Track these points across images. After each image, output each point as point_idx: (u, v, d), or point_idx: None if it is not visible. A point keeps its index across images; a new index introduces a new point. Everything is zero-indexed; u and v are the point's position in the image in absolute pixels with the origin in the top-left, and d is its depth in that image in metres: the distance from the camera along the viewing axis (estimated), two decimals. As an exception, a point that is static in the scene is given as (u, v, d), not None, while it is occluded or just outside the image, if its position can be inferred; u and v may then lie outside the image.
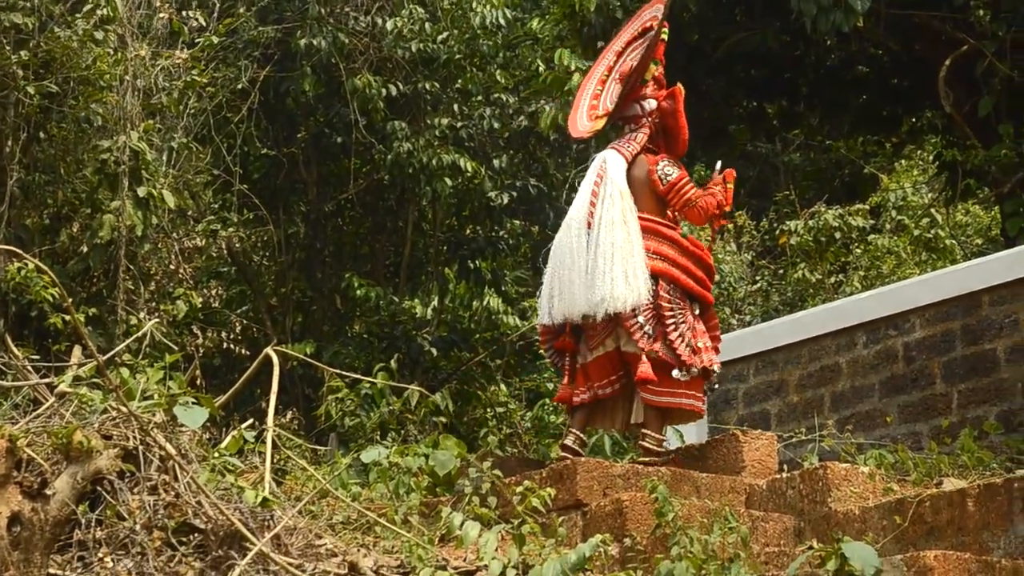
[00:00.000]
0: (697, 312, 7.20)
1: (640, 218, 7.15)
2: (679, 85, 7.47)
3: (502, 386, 17.02)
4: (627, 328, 7.02)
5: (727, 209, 7.40)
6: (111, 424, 5.19)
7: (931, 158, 16.46)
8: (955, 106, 11.58)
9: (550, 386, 16.23)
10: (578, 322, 7.16)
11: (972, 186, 13.29)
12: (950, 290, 8.78)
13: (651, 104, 7.48)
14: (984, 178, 12.50)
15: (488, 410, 16.54)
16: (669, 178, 7.27)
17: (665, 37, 7.48)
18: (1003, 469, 7.02)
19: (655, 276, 7.03)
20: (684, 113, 7.44)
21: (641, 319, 6.98)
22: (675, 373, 7.01)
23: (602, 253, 7.02)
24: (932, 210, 15.97)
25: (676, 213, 7.38)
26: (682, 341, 7.00)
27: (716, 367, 7.15)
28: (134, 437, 5.10)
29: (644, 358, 6.98)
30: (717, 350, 7.25)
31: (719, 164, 7.60)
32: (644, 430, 7.15)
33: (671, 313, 7.03)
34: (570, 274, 7.10)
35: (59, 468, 4.90)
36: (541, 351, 13.43)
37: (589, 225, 7.16)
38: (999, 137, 11.57)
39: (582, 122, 7.76)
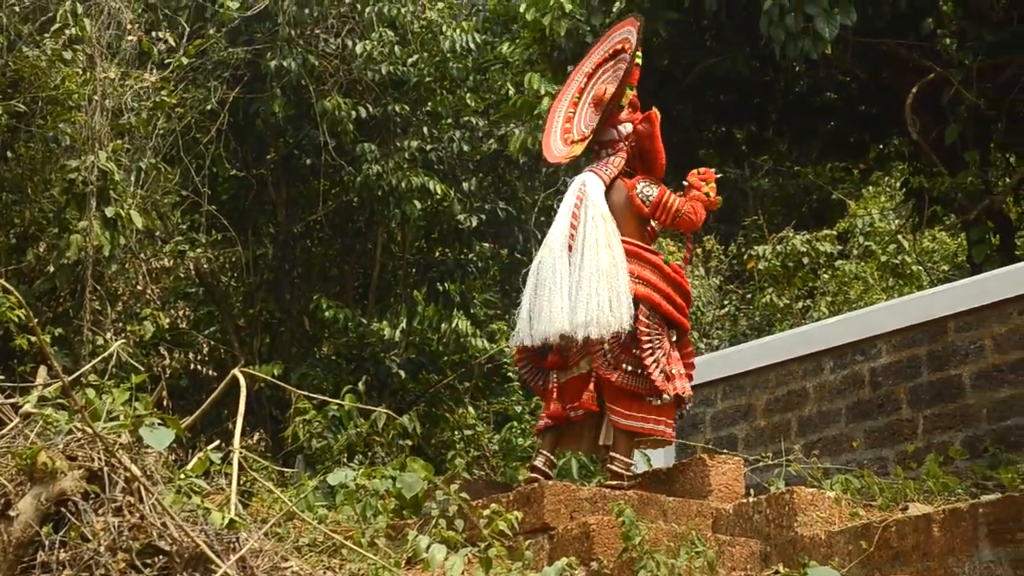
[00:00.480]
0: (674, 339, 7.20)
1: (624, 242, 7.15)
2: (654, 109, 7.50)
3: (470, 408, 16.99)
4: (591, 352, 7.04)
5: (710, 192, 7.35)
6: (76, 445, 5.16)
7: (898, 185, 16.57)
8: (922, 133, 11.65)
9: (518, 408, 16.21)
10: (555, 342, 7.13)
11: (939, 213, 13.38)
12: (916, 316, 8.82)
13: (627, 128, 7.51)
14: (950, 205, 12.58)
15: (456, 433, 16.49)
16: (651, 198, 7.29)
17: (639, 62, 7.51)
18: (968, 495, 7.04)
19: (636, 301, 7.02)
20: (658, 136, 7.47)
21: (606, 345, 6.98)
22: (650, 400, 7.03)
23: (587, 275, 7.00)
24: (899, 236, 16.06)
25: (668, 227, 7.40)
26: (656, 367, 6.99)
27: (688, 395, 7.16)
28: (99, 458, 5.06)
29: (591, 387, 7.08)
30: (690, 377, 7.26)
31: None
32: (612, 453, 7.14)
33: (648, 338, 7.01)
34: (551, 295, 7.07)
35: (23, 489, 4.86)
36: (512, 373, 13.42)
37: (570, 248, 7.16)
38: (965, 164, 11.66)
39: (557, 146, 7.77)
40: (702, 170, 7.50)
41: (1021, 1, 10.56)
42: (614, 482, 6.95)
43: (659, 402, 7.03)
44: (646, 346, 6.99)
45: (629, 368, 7.00)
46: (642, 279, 7.10)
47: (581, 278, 7.02)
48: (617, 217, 7.26)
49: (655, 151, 7.44)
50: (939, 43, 11.23)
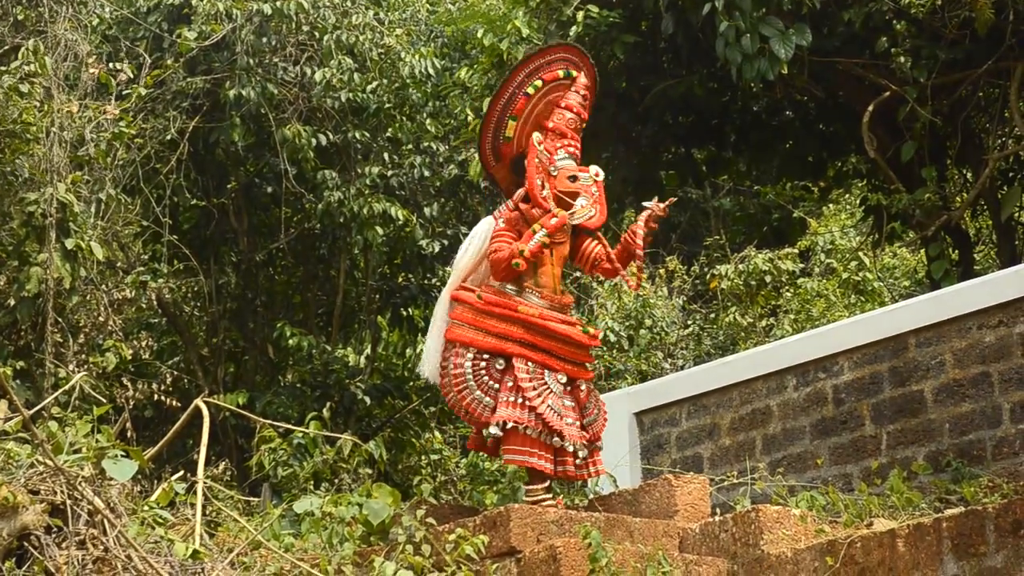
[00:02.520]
0: (501, 366, 7.23)
1: (460, 287, 7.41)
2: (534, 135, 7.50)
3: (436, 433, 16.97)
4: (444, 395, 7.39)
5: (523, 257, 7.23)
6: (38, 479, 5.14)
7: (857, 202, 16.68)
8: (879, 151, 11.74)
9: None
10: None
11: (897, 229, 13.47)
12: (878, 332, 8.88)
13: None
14: (909, 221, 12.66)
15: (422, 458, 16.47)
16: (489, 238, 7.45)
17: (531, 92, 7.53)
18: (932, 509, 7.09)
19: (450, 343, 7.27)
20: (535, 164, 7.42)
21: (478, 393, 7.20)
22: (484, 432, 7.14)
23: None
24: (860, 253, 16.15)
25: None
26: (477, 403, 7.15)
27: (518, 421, 7.07)
28: (62, 491, 5.04)
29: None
30: (526, 407, 7.17)
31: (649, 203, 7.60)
32: (525, 486, 7.37)
33: (460, 379, 7.19)
34: None
35: (-15, 524, 4.84)
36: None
37: None
38: (922, 181, 11.75)
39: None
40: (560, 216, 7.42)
41: (972, 19, 10.65)
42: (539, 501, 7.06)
43: (490, 436, 7.13)
44: (459, 385, 7.20)
45: (464, 412, 7.26)
46: (457, 319, 7.31)
47: None
48: None
49: (527, 180, 7.45)
50: (894, 61, 11.31)
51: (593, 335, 7.49)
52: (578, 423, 7.23)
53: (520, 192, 7.47)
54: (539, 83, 7.53)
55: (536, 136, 7.46)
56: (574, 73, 7.68)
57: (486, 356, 7.20)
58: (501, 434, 7.07)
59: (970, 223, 13.66)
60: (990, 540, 5.26)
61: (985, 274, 10.93)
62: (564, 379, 7.26)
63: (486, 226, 7.51)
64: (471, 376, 7.17)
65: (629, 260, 7.58)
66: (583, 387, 7.37)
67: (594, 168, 7.65)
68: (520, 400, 7.10)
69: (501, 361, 7.20)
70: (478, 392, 7.15)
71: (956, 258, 12.36)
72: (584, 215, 7.44)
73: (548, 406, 7.10)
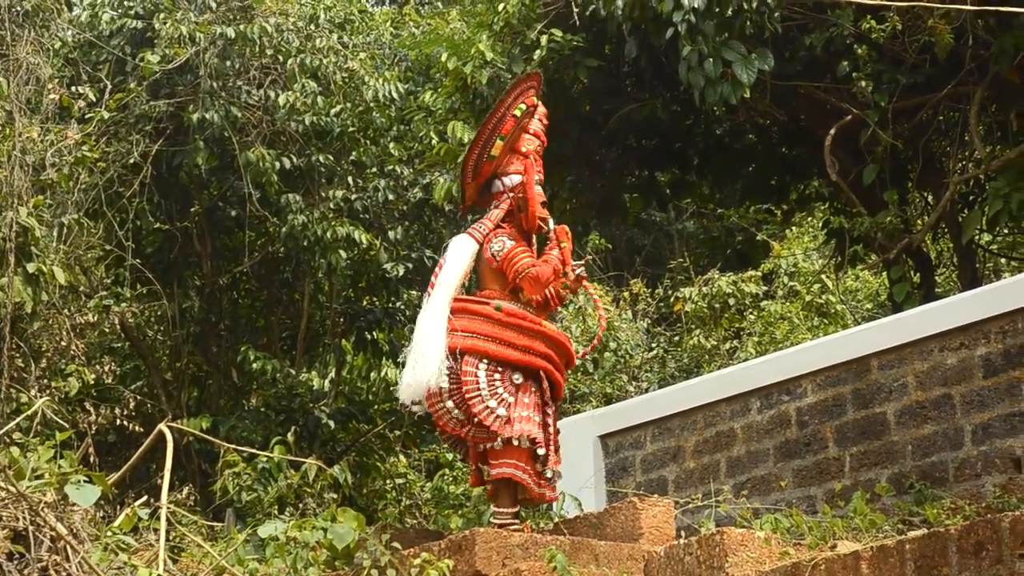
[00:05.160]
0: (519, 380, 7.25)
1: (455, 300, 7.33)
2: (529, 159, 7.57)
3: (401, 457, 16.95)
4: (431, 410, 7.27)
5: (566, 270, 7.43)
6: (0, 505, 5.10)
7: (820, 225, 16.78)
8: (841, 174, 11.80)
9: (449, 456, 16.19)
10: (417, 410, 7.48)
11: (860, 253, 13.55)
12: (840, 355, 8.93)
13: (513, 180, 7.60)
14: (871, 244, 12.74)
15: (387, 482, 16.44)
16: (500, 253, 7.39)
17: (518, 114, 7.58)
18: (895, 531, 7.12)
19: (462, 353, 7.18)
20: (536, 185, 7.53)
21: (449, 404, 7.21)
22: (493, 445, 7.15)
23: (415, 339, 7.32)
24: (823, 276, 16.26)
25: (515, 285, 7.46)
26: (490, 414, 7.11)
27: (531, 437, 7.13)
28: (24, 517, 5.01)
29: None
30: (542, 424, 7.23)
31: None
32: (494, 508, 7.36)
33: (473, 387, 7.14)
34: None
35: (-54, 551, 4.80)
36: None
37: None
38: (884, 204, 11.82)
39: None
40: (560, 228, 7.58)
41: (932, 44, 10.75)
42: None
43: (498, 446, 7.13)
44: (471, 393, 7.12)
45: (461, 417, 7.22)
46: (469, 331, 7.24)
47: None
48: (481, 271, 7.52)
49: (526, 199, 7.51)
50: (855, 86, 11.39)
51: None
52: (554, 446, 7.30)
53: (500, 212, 7.50)
54: (523, 107, 7.58)
55: (531, 160, 7.55)
56: (537, 101, 7.76)
57: (500, 368, 7.19)
58: (502, 447, 7.10)
59: (931, 246, 13.75)
60: (953, 562, 5.29)
61: (946, 297, 11.01)
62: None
63: (470, 243, 7.50)
64: (485, 386, 7.14)
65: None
66: (556, 409, 7.49)
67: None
68: (539, 418, 7.15)
69: (519, 375, 7.21)
70: (492, 402, 7.11)
71: (918, 281, 12.43)
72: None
73: (552, 428, 7.19)
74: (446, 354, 7.15)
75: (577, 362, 8.04)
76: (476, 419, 7.13)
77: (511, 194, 7.55)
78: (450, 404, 7.19)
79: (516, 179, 7.56)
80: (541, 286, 7.37)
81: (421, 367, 7.16)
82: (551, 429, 7.21)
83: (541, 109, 7.80)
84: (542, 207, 7.53)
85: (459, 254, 7.47)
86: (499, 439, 7.10)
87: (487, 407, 7.10)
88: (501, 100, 7.66)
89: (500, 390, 7.15)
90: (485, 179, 7.65)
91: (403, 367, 7.34)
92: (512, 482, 7.21)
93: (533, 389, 7.24)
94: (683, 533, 7.67)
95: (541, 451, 7.12)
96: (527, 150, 7.63)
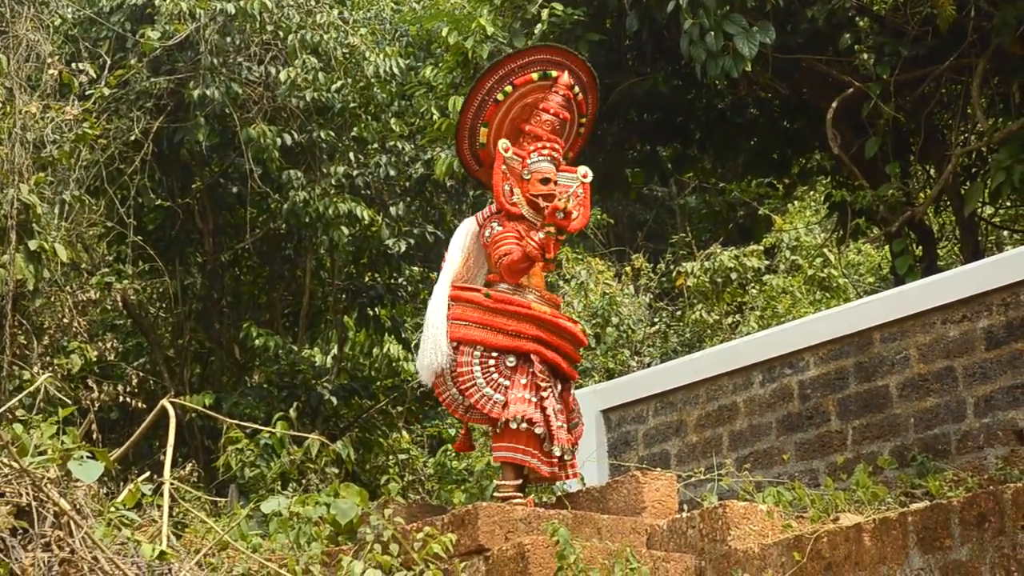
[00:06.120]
0: (512, 363, 7.27)
1: (453, 287, 7.43)
2: (500, 142, 7.53)
3: (404, 433, 16.96)
4: (440, 399, 7.40)
5: (547, 256, 7.36)
6: (3, 481, 5.11)
7: (822, 199, 16.75)
8: (843, 147, 11.78)
9: (452, 432, 16.21)
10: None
11: (862, 226, 13.52)
12: (842, 328, 8.92)
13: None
14: (873, 217, 12.72)
15: (390, 457, 16.45)
16: (490, 238, 7.50)
17: (501, 98, 7.56)
18: (898, 503, 7.13)
19: (457, 343, 7.28)
20: (500, 172, 7.52)
21: (454, 391, 7.30)
22: (494, 430, 7.21)
23: (423, 325, 7.48)
24: (825, 250, 16.23)
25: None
26: (483, 399, 7.18)
27: (528, 417, 7.14)
28: (27, 493, 5.02)
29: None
30: (539, 406, 7.25)
31: None
32: (497, 481, 7.46)
33: (467, 376, 7.23)
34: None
35: (-51, 528, 4.81)
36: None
37: None
38: (886, 177, 11.80)
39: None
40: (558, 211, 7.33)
41: (934, 16, 10.71)
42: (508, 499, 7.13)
43: (499, 430, 7.19)
44: (466, 382, 7.21)
45: (467, 403, 7.28)
46: (461, 319, 7.33)
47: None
48: (487, 254, 7.56)
49: (494, 187, 7.52)
50: (857, 58, 11.36)
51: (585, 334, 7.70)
52: (565, 426, 7.30)
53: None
54: (509, 88, 7.55)
55: (502, 143, 7.50)
56: (553, 73, 7.67)
57: (494, 354, 7.25)
58: (502, 430, 7.13)
59: (934, 219, 13.73)
60: (955, 534, 5.30)
61: (949, 269, 11.00)
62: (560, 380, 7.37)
63: (471, 224, 7.55)
64: (479, 373, 7.19)
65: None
66: (571, 388, 7.51)
67: (582, 169, 7.73)
68: (535, 399, 7.16)
69: (512, 359, 7.25)
70: (487, 389, 7.19)
71: (920, 254, 12.41)
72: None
73: (551, 407, 7.18)
74: (447, 340, 7.25)
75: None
76: (474, 408, 7.23)
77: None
78: (454, 391, 7.26)
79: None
80: (516, 273, 7.40)
81: (427, 352, 7.31)
82: (550, 410, 7.20)
83: (564, 81, 7.70)
84: (542, 184, 7.48)
85: (458, 236, 7.60)
86: (498, 424, 7.14)
87: (483, 395, 7.20)
88: (477, 86, 7.65)
89: (495, 375, 7.21)
90: (492, 163, 7.63)
91: (417, 349, 7.50)
92: (506, 463, 7.26)
93: (528, 370, 7.25)
94: (686, 507, 7.68)
95: (539, 430, 7.12)
96: (529, 128, 7.59)
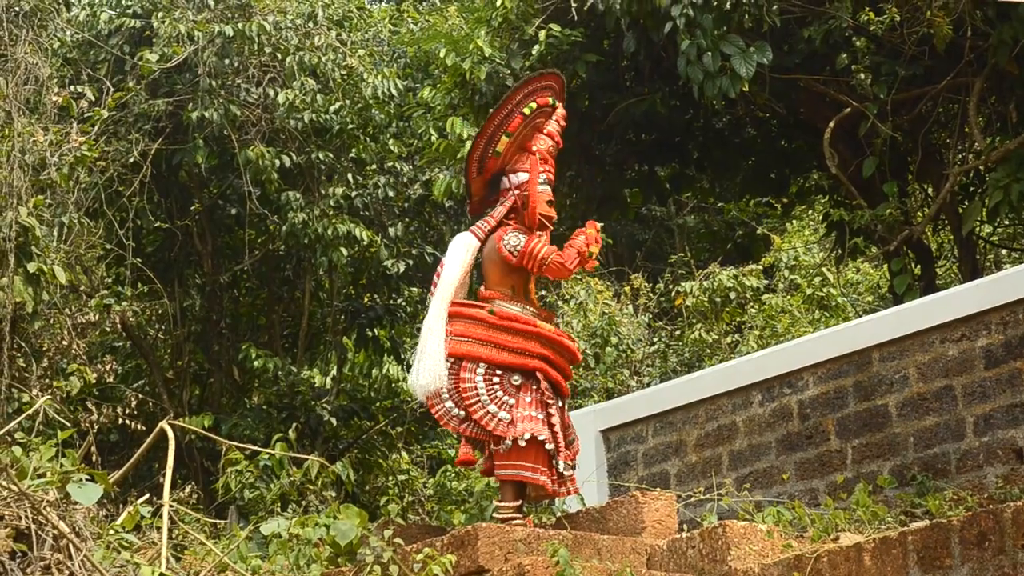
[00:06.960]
0: (518, 381, 7.26)
1: (452, 303, 7.37)
2: (535, 156, 7.57)
3: (403, 453, 16.95)
4: (432, 412, 7.30)
5: (593, 250, 7.42)
6: (2, 504, 5.11)
7: (820, 218, 16.75)
8: (841, 167, 11.80)
9: (451, 452, 16.19)
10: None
11: (860, 245, 13.54)
12: (842, 347, 8.92)
13: (520, 177, 7.59)
14: (871, 237, 12.73)
15: (389, 478, 16.45)
16: (517, 248, 7.40)
17: (527, 112, 7.58)
18: (898, 523, 7.12)
19: (458, 359, 7.22)
20: (545, 184, 7.54)
21: (449, 404, 7.21)
22: (498, 448, 7.16)
23: (420, 341, 7.39)
24: (823, 269, 16.23)
25: (539, 275, 7.52)
26: (488, 416, 7.14)
27: (536, 435, 7.11)
28: (26, 516, 5.02)
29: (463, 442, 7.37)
30: (546, 422, 7.23)
31: None
32: (496, 502, 7.40)
33: (471, 393, 7.17)
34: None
35: (-51, 551, 4.81)
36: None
37: None
38: (884, 196, 11.81)
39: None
40: (598, 227, 7.55)
41: (931, 36, 10.74)
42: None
43: (504, 448, 7.13)
44: (471, 400, 7.15)
45: (461, 416, 7.22)
46: (464, 336, 7.29)
47: (418, 343, 7.41)
48: (487, 268, 7.53)
49: (528, 196, 7.52)
50: (854, 78, 11.39)
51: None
52: (564, 441, 7.30)
53: (503, 209, 7.52)
54: (533, 105, 7.59)
55: (537, 158, 7.55)
56: (556, 103, 7.76)
57: (499, 371, 7.21)
58: (508, 449, 7.11)
59: (932, 238, 13.75)
60: (955, 553, 5.29)
61: (947, 288, 11.00)
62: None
63: (470, 240, 7.54)
64: (484, 390, 7.17)
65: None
66: (564, 405, 7.50)
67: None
68: (543, 416, 7.15)
69: (518, 376, 7.23)
70: (492, 407, 7.13)
71: (918, 273, 12.42)
72: None
73: (558, 424, 7.18)
74: (445, 356, 7.20)
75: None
76: (478, 424, 7.16)
77: (516, 191, 7.55)
78: (449, 404, 7.22)
79: (523, 177, 7.55)
80: (567, 271, 7.40)
81: (425, 369, 7.23)
82: (557, 427, 7.21)
83: (560, 111, 7.78)
84: (548, 206, 7.53)
85: (458, 252, 7.53)
86: (504, 443, 7.11)
87: (488, 412, 7.13)
88: (509, 96, 7.65)
89: (499, 393, 7.18)
90: (491, 175, 7.65)
91: (411, 367, 7.41)
92: (507, 481, 7.24)
93: (533, 388, 7.24)
94: (685, 527, 7.66)
95: (550, 446, 7.13)
96: (537, 149, 7.63)
